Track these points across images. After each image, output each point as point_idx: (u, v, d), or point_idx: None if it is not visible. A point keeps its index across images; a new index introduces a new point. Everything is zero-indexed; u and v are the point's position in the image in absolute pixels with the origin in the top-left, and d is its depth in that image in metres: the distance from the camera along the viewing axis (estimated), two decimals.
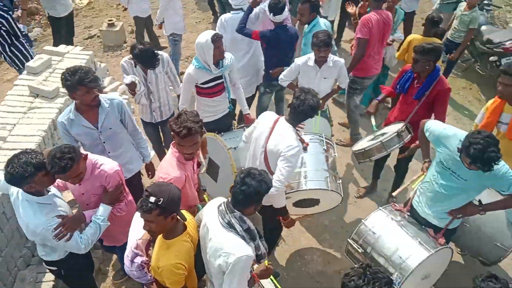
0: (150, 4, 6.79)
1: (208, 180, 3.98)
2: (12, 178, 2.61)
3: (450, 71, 6.45)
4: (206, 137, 4.03)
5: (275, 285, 3.05)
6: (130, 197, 3.23)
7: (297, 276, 4.08)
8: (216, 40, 3.78)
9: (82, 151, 2.96)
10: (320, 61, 4.20)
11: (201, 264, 2.69)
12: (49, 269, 3.16)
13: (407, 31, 6.48)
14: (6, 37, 5.37)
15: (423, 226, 3.27)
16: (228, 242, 2.42)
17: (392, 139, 3.88)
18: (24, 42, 5.59)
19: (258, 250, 2.53)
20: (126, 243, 2.75)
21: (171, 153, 2.95)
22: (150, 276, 2.65)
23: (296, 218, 3.69)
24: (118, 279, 3.97)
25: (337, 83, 4.56)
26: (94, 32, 7.92)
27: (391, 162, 4.62)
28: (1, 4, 5.28)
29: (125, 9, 7.89)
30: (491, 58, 6.28)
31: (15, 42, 5.47)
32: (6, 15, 5.25)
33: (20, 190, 2.76)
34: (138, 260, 2.63)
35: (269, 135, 3.24)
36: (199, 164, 3.23)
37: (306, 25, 4.76)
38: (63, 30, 6.46)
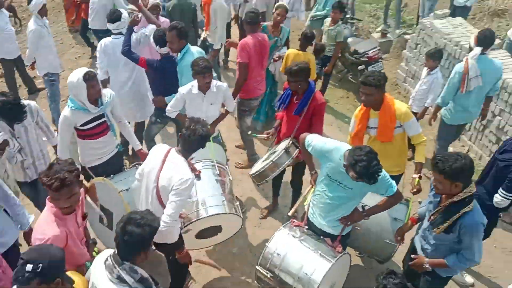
0: (18, 44, 6.26)
1: (103, 230, 3.71)
2: None
3: (328, 82, 6.88)
4: (94, 182, 3.77)
5: None
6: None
7: None
8: (89, 79, 3.55)
9: None
10: (204, 88, 4.19)
11: None
12: None
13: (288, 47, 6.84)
14: None
15: (321, 237, 3.38)
16: None
17: (282, 156, 3.99)
18: None
19: None
20: None
21: (47, 208, 2.68)
22: None
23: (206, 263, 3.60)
24: None
25: (224, 107, 4.61)
26: None
27: (288, 177, 4.72)
28: None
29: None
30: (360, 67, 6.80)
31: None
32: None
33: None
34: None
35: (161, 168, 3.12)
36: (84, 216, 2.97)
37: (178, 53, 4.60)
38: None
